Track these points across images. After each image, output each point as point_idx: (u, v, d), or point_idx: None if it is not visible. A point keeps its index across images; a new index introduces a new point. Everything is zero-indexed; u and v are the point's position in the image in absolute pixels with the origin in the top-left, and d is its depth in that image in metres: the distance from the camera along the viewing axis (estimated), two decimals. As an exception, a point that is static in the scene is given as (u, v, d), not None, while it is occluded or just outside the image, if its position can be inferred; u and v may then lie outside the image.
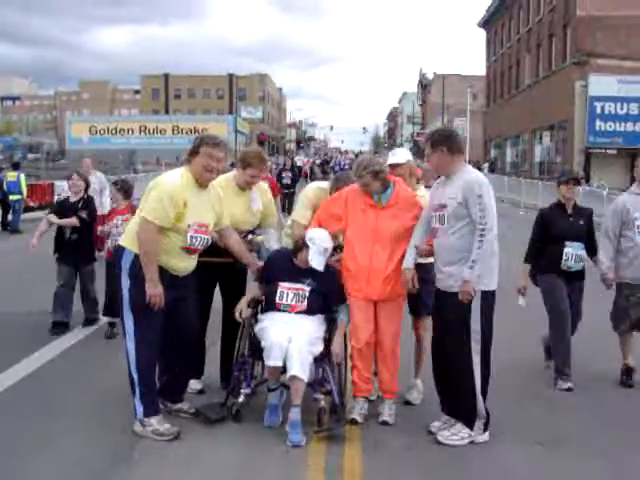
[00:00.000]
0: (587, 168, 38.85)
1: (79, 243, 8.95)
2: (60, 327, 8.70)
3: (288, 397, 5.69)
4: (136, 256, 5.47)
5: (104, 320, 8.78)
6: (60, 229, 9.01)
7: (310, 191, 6.69)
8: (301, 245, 5.86)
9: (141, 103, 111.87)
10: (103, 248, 9.05)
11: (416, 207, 5.89)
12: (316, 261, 5.79)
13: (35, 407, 6.18)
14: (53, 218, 8.98)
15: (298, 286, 5.85)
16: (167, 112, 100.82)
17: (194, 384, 6.43)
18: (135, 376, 5.53)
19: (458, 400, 5.58)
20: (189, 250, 5.63)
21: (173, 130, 75.37)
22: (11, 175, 21.24)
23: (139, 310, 5.48)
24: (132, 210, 8.39)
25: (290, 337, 5.53)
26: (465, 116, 62.34)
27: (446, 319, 5.56)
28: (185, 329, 5.80)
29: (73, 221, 8.88)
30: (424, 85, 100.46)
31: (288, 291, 5.85)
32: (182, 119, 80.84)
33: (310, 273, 5.85)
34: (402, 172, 6.32)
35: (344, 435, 5.56)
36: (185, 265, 5.71)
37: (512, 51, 54.52)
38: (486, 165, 53.78)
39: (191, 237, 5.55)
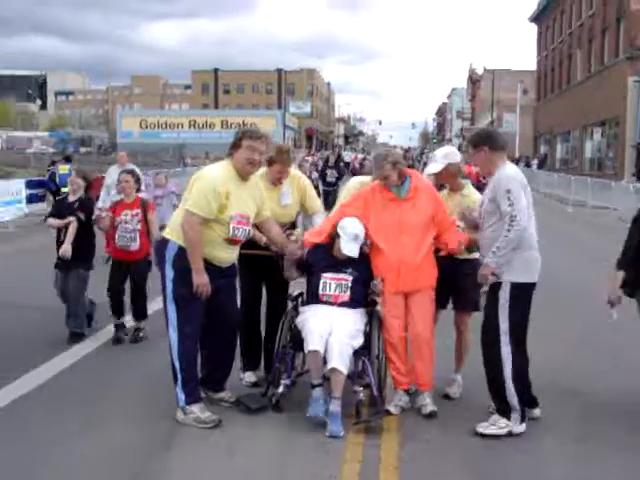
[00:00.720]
0: (639, 165, 38.18)
1: (75, 246, 7.94)
2: (75, 337, 7.99)
3: (328, 389, 5.76)
4: (180, 248, 5.60)
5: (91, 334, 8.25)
6: (59, 231, 8.18)
7: (352, 185, 6.77)
8: (334, 236, 5.98)
9: (191, 98, 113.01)
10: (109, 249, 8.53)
11: (434, 197, 5.97)
12: (348, 248, 5.91)
13: (80, 393, 6.36)
14: (52, 221, 8.25)
15: (341, 276, 5.94)
16: (216, 107, 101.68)
17: (249, 376, 6.54)
18: (177, 364, 5.65)
19: (491, 390, 5.66)
20: (231, 241, 5.73)
21: (222, 124, 76.08)
22: (63, 168, 21.52)
23: (182, 300, 5.60)
24: (141, 205, 8.27)
25: (331, 330, 5.61)
26: (515, 111, 61.76)
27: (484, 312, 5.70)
28: (227, 319, 5.91)
29: (69, 222, 8.04)
30: (474, 80, 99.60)
31: (331, 281, 5.93)
32: (231, 114, 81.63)
33: (350, 262, 5.95)
34: (440, 177, 6.33)
35: (382, 427, 5.61)
36: (228, 256, 5.82)
37: (563, 46, 53.78)
38: (535, 161, 53.17)
39: (234, 228, 5.65)
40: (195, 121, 77.45)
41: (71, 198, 8.33)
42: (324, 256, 6.06)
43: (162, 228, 6.71)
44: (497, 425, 5.53)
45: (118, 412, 5.94)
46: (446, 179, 6.32)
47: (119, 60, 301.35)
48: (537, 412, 5.83)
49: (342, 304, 5.89)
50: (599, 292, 6.32)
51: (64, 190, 20.86)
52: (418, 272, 5.84)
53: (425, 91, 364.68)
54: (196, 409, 5.65)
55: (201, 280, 5.56)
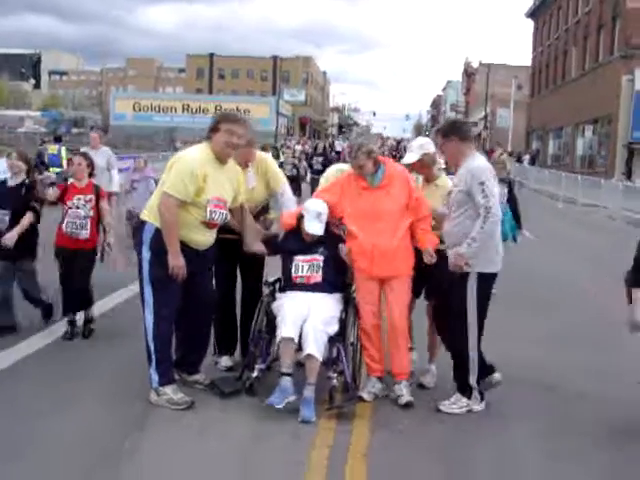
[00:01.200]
0: (630, 164, 38.31)
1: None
2: (4, 331, 7.35)
3: (298, 377, 5.77)
4: (157, 230, 5.60)
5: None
6: None
7: (330, 173, 6.79)
8: (300, 218, 6.05)
9: (186, 82, 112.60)
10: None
11: (407, 184, 5.99)
12: (311, 227, 5.96)
13: (53, 374, 6.38)
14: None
15: (311, 257, 5.98)
16: (211, 92, 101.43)
17: (225, 360, 6.55)
18: (152, 346, 5.67)
19: (455, 370, 5.86)
20: (208, 224, 5.74)
21: (216, 110, 75.46)
22: (52, 148, 21.53)
23: (158, 282, 5.62)
24: (94, 191, 7.66)
25: (306, 316, 5.63)
26: (508, 106, 61.79)
27: (448, 297, 5.78)
28: (203, 301, 5.93)
29: (28, 220, 7.45)
30: (469, 74, 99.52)
31: (303, 263, 5.97)
32: (225, 99, 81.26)
33: (321, 244, 6.01)
34: (414, 167, 6.36)
35: (355, 414, 5.64)
36: (205, 239, 5.83)
37: (559, 42, 53.80)
38: (527, 157, 53.25)
39: (210, 212, 5.66)
40: (189, 105, 77.17)
41: (11, 182, 7.70)
42: (296, 241, 6.09)
43: (133, 217, 6.60)
44: (458, 404, 5.75)
45: (92, 393, 5.95)
46: (421, 170, 6.37)
47: (114, 41, 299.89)
48: (498, 376, 5.91)
49: (317, 288, 5.91)
50: (585, 289, 6.41)
51: (52, 170, 20.92)
52: (393, 257, 5.85)
53: (420, 83, 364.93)
54: (169, 390, 5.67)
55: (177, 262, 5.57)
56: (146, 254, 5.67)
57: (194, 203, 5.59)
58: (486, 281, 5.71)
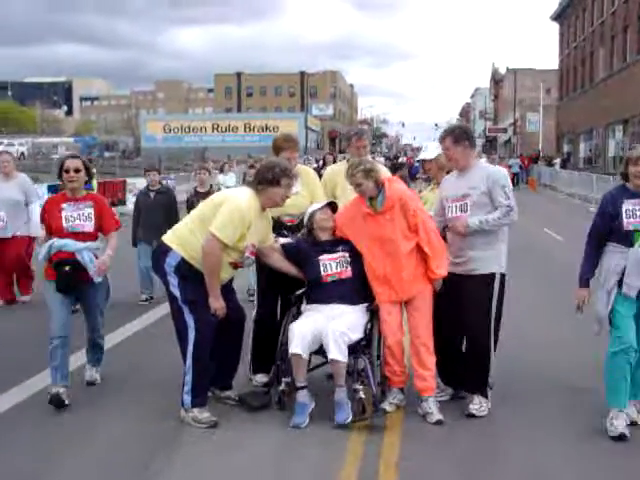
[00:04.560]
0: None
1: None
2: None
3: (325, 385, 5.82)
4: (183, 259, 5.69)
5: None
6: None
7: (326, 174, 7.08)
8: (309, 218, 6.18)
9: (214, 102, 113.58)
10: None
11: (408, 204, 5.87)
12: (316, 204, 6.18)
13: (90, 390, 6.51)
14: None
15: (337, 255, 6.03)
16: (239, 110, 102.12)
17: (260, 377, 6.55)
18: (191, 368, 5.70)
19: (476, 375, 5.94)
20: (236, 265, 5.87)
21: (245, 128, 76.37)
22: None
23: (194, 303, 5.69)
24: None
25: (322, 326, 5.67)
26: (537, 111, 61.47)
27: (467, 300, 5.85)
28: (232, 320, 5.97)
29: None
30: (496, 80, 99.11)
31: (330, 261, 6.01)
32: (254, 117, 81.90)
33: (338, 242, 6.09)
34: (430, 166, 6.48)
35: (385, 424, 5.68)
36: (227, 277, 5.96)
37: (586, 44, 53.39)
38: (558, 160, 52.85)
39: (246, 257, 5.80)
40: (218, 125, 77.78)
41: None
42: (311, 246, 6.14)
43: None
44: (485, 406, 5.91)
45: (123, 410, 6.08)
46: (434, 172, 6.45)
47: (144, 65, 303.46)
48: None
49: (343, 299, 5.94)
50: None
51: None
52: (409, 282, 5.88)
53: (448, 92, 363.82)
54: (196, 410, 5.75)
55: (219, 304, 5.73)
56: (173, 280, 5.74)
57: (234, 247, 5.68)
58: (504, 280, 5.96)
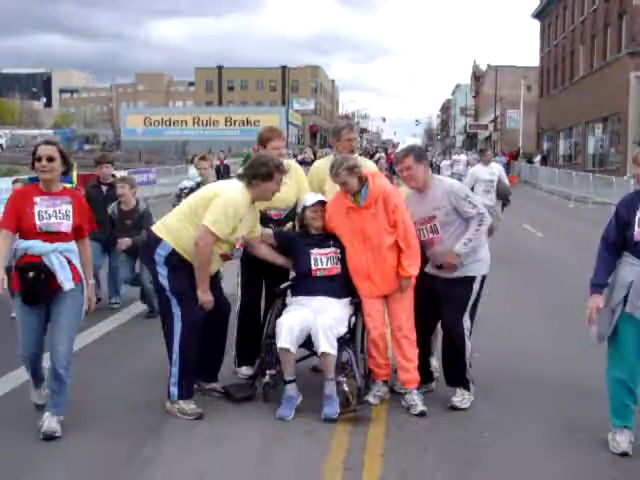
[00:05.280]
0: (642, 161, 38.13)
1: None
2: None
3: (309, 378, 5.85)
4: (174, 250, 5.70)
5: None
6: None
7: (313, 169, 7.06)
8: (301, 212, 6.23)
9: (195, 95, 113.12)
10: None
11: (389, 203, 5.88)
12: (313, 197, 6.21)
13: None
14: None
15: (329, 250, 6.07)
16: (220, 104, 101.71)
17: (245, 369, 6.58)
18: (177, 360, 5.72)
19: (455, 368, 6.05)
20: (225, 257, 5.90)
21: (226, 122, 76.13)
22: None
23: (182, 294, 5.71)
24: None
25: (309, 320, 5.71)
26: (518, 108, 61.73)
27: (446, 298, 5.96)
28: (218, 312, 5.99)
29: None
30: (477, 77, 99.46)
31: (321, 256, 6.05)
32: (235, 111, 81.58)
33: (328, 237, 6.12)
34: None
35: (369, 416, 5.73)
36: (216, 268, 6.01)
37: (566, 42, 53.74)
38: (538, 158, 53.16)
39: (237, 249, 5.85)
40: (199, 118, 77.46)
41: None
42: (303, 239, 6.18)
43: None
44: (467, 399, 5.99)
45: (109, 402, 6.08)
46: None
47: (123, 57, 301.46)
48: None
49: (327, 292, 5.98)
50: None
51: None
52: (391, 276, 5.93)
53: (429, 88, 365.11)
54: (181, 401, 5.77)
55: (207, 298, 5.76)
56: (162, 270, 5.75)
57: (227, 239, 5.72)
58: (484, 282, 6.06)
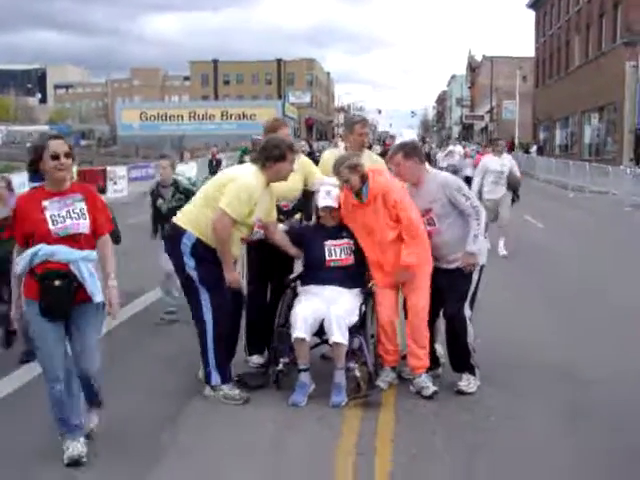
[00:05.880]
0: (638, 150, 38.31)
1: None
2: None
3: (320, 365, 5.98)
4: (198, 239, 5.83)
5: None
6: None
7: (325, 157, 7.22)
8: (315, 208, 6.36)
9: (191, 89, 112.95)
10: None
11: (389, 195, 6.01)
12: (323, 202, 6.25)
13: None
14: None
15: (342, 241, 6.22)
16: (216, 98, 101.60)
17: (256, 358, 6.71)
18: (212, 345, 5.88)
19: (459, 354, 6.22)
20: (245, 240, 6.07)
21: (222, 115, 76.12)
22: None
23: (211, 284, 5.86)
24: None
25: (322, 310, 5.87)
26: (514, 98, 61.81)
27: (448, 287, 6.14)
28: (235, 303, 6.15)
29: None
30: (473, 67, 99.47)
31: (335, 247, 6.20)
32: (231, 104, 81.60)
33: (342, 228, 6.26)
34: None
35: (380, 402, 5.87)
36: (238, 252, 6.17)
37: (562, 32, 53.79)
38: (534, 148, 53.27)
39: (255, 231, 6.00)
40: (195, 112, 77.41)
41: None
42: (317, 230, 6.34)
43: None
44: (472, 384, 6.15)
45: (129, 388, 6.20)
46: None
47: (118, 52, 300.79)
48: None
49: (337, 281, 6.13)
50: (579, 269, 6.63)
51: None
52: (401, 268, 6.03)
53: (425, 79, 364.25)
54: (225, 387, 5.95)
55: (233, 276, 5.91)
56: (190, 262, 5.87)
57: (244, 222, 5.86)
58: (482, 272, 6.28)
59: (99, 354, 4.98)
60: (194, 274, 5.87)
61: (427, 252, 6.10)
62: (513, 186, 13.21)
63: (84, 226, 4.80)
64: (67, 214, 4.76)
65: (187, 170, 19.85)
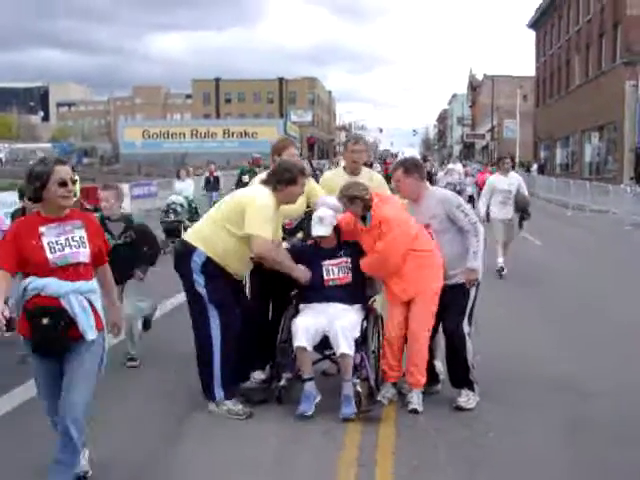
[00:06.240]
0: (638, 169, 38.47)
1: None
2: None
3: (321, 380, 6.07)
4: (208, 258, 5.94)
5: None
6: None
7: (327, 177, 7.46)
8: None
9: (193, 107, 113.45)
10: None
11: (388, 226, 6.09)
12: (315, 231, 6.29)
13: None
14: None
15: (340, 260, 6.32)
16: (218, 116, 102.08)
17: (258, 374, 6.75)
18: (218, 362, 5.99)
19: (459, 369, 6.30)
20: (254, 260, 6.18)
21: (224, 134, 76.45)
22: None
23: (219, 302, 5.97)
24: None
25: (324, 324, 5.99)
26: (514, 117, 62.09)
27: (448, 302, 6.22)
28: (249, 320, 6.25)
29: None
30: (474, 86, 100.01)
31: (332, 267, 6.31)
32: (233, 123, 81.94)
33: (339, 248, 6.37)
34: None
35: (380, 417, 5.95)
36: (244, 270, 6.32)
37: (562, 51, 54.13)
38: (535, 167, 53.47)
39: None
40: (197, 130, 77.83)
41: None
42: (315, 250, 6.42)
43: None
44: (472, 399, 6.22)
45: (130, 407, 6.31)
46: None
47: (122, 71, 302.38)
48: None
49: (338, 298, 6.23)
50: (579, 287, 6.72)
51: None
52: (406, 284, 6.15)
53: (426, 98, 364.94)
54: (229, 402, 6.05)
55: (301, 273, 6.19)
56: (199, 279, 5.97)
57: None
58: (479, 288, 6.37)
59: (90, 387, 4.52)
60: (203, 292, 5.96)
61: (430, 277, 6.17)
62: (522, 206, 12.90)
63: (84, 255, 4.48)
64: (66, 242, 4.43)
65: (185, 188, 19.84)
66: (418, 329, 6.15)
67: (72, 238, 4.45)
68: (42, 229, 4.41)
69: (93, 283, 4.56)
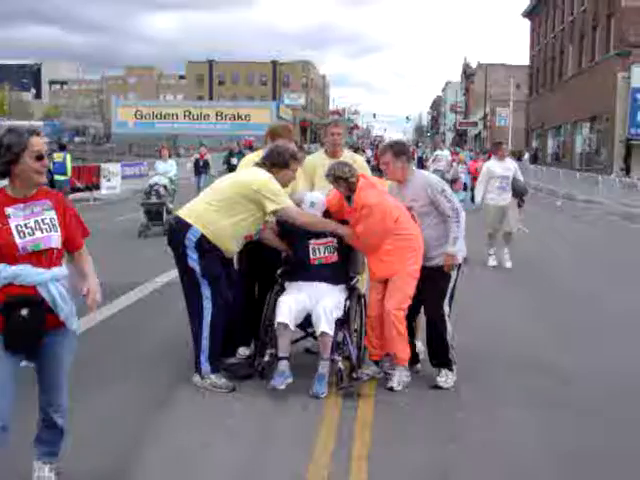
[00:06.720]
0: (628, 160, 38.72)
1: None
2: None
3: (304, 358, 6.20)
4: (203, 235, 6.06)
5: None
6: None
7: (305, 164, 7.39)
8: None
9: (186, 89, 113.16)
10: None
11: (372, 211, 6.20)
12: (307, 212, 6.42)
13: (96, 352, 6.78)
14: None
15: (326, 240, 6.46)
16: (211, 98, 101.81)
17: (243, 350, 6.93)
18: (207, 337, 6.14)
19: (438, 349, 6.47)
20: (249, 237, 6.34)
21: (217, 116, 76.21)
22: (57, 156, 21.29)
23: (212, 277, 6.11)
24: None
25: (307, 304, 6.16)
26: (507, 105, 62.23)
27: (429, 284, 6.36)
28: (238, 296, 6.42)
29: None
30: (467, 74, 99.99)
31: (319, 246, 6.46)
32: (225, 105, 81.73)
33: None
34: None
35: (361, 393, 6.13)
36: (236, 249, 6.39)
37: (556, 41, 54.24)
38: (527, 156, 53.65)
39: (261, 230, 6.35)
40: (190, 112, 77.47)
41: None
42: (303, 231, 6.50)
43: None
44: (450, 378, 6.39)
45: (120, 373, 6.48)
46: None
47: (115, 49, 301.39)
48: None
49: (323, 278, 6.39)
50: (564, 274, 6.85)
51: (57, 178, 21.05)
52: (383, 264, 6.31)
53: (420, 84, 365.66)
54: (213, 376, 6.21)
55: (344, 231, 6.36)
56: (192, 254, 6.09)
57: (259, 220, 6.21)
58: (459, 270, 6.53)
59: (66, 380, 4.29)
60: (196, 266, 6.09)
61: (408, 259, 6.28)
62: (519, 192, 12.90)
63: (56, 240, 4.01)
64: (36, 225, 3.94)
65: (167, 168, 19.14)
66: (389, 307, 6.26)
67: (42, 221, 3.97)
68: (9, 210, 3.91)
69: (64, 268, 4.12)
